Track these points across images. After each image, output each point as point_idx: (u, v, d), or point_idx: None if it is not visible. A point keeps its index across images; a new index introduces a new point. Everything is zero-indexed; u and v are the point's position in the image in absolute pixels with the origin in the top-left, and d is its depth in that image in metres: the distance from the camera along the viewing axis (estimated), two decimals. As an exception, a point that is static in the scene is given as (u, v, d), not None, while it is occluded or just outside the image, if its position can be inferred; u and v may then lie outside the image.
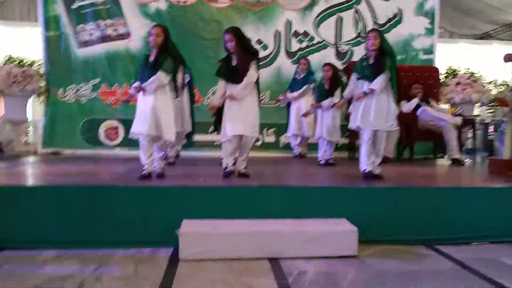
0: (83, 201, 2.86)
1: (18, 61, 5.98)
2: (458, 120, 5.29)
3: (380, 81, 3.46)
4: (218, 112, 3.58)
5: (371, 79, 3.50)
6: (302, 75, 5.71)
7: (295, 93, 5.66)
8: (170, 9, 6.18)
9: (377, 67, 3.48)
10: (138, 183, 3.23)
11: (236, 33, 3.44)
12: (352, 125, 3.64)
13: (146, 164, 3.47)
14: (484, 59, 7.91)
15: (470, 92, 6.21)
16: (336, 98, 4.59)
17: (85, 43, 6.12)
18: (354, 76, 3.68)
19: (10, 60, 5.97)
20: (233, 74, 3.47)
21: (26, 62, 6.02)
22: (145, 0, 6.15)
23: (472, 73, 6.53)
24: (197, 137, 5.96)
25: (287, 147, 6.23)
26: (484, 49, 8.72)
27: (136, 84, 3.43)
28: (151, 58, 3.40)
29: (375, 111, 3.48)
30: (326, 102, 4.67)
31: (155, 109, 3.36)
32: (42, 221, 2.79)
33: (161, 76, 3.35)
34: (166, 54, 3.39)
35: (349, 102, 3.96)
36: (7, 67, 5.72)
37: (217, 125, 3.65)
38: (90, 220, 2.82)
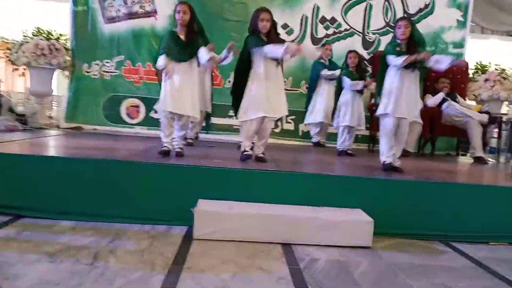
0: (102, 175, 2.90)
1: (46, 34, 6.06)
2: (484, 117, 5.15)
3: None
4: (237, 93, 3.54)
5: (406, 66, 3.37)
6: (327, 62, 5.63)
7: (330, 72, 5.50)
8: (197, -12, 6.14)
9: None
10: (157, 160, 3.26)
11: (272, 15, 3.41)
12: (381, 111, 3.50)
13: (166, 142, 3.51)
14: (516, 56, 7.65)
15: (499, 89, 6.02)
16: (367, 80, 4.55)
17: (112, 19, 6.15)
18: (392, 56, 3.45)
19: (38, 32, 6.05)
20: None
21: (54, 36, 6.10)
22: (173, -22, 6.13)
23: (503, 70, 6.32)
24: (217, 120, 6.01)
25: (306, 135, 6.19)
26: (517, 46, 8.43)
27: (163, 58, 3.40)
28: (182, 37, 3.39)
29: (406, 100, 3.40)
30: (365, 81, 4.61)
31: (181, 87, 3.38)
32: (60, 191, 2.85)
33: (204, 51, 3.37)
34: (197, 33, 3.43)
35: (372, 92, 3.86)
36: (35, 40, 5.80)
37: (236, 106, 3.57)
38: (107, 194, 2.86)
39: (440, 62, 3.28)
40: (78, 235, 2.52)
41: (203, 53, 3.37)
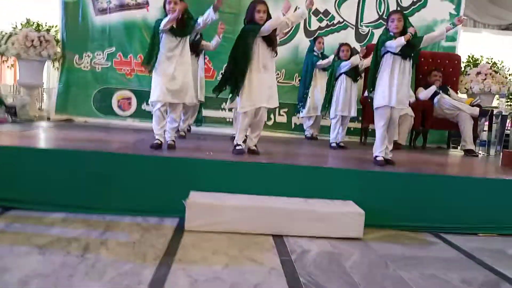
0: (92, 167, 2.87)
1: (35, 26, 5.97)
2: (475, 110, 5.18)
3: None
4: (236, 79, 3.49)
5: (402, 56, 3.40)
6: (320, 55, 5.65)
7: (326, 60, 5.52)
8: (189, -20, 6.08)
9: (410, 47, 3.38)
10: (148, 152, 3.24)
11: (268, 7, 3.43)
12: (378, 104, 3.48)
13: (158, 134, 3.49)
14: (508, 50, 7.70)
15: (490, 82, 6.06)
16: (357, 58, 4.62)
17: (103, 11, 6.07)
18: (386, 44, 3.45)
19: (28, 23, 5.96)
20: (267, 42, 3.44)
21: (44, 27, 6.02)
22: (165, -31, 6.05)
23: (494, 63, 6.36)
24: (209, 113, 5.99)
25: (299, 128, 6.19)
26: (509, 40, 8.48)
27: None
28: (174, 25, 3.35)
29: (398, 90, 3.41)
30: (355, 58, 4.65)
31: (174, 75, 3.38)
32: (51, 183, 2.82)
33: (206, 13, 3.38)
34: (188, 19, 3.42)
35: (365, 82, 3.84)
36: (24, 31, 5.72)
37: (233, 91, 3.53)
38: (98, 185, 2.84)
39: (440, 34, 3.52)
40: (68, 227, 2.50)
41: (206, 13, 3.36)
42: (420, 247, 2.66)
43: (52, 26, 6.09)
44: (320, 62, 5.56)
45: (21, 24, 5.96)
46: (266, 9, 3.39)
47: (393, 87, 3.42)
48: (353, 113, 4.70)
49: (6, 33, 5.79)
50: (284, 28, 3.64)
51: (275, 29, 3.43)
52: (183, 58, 3.45)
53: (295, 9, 5.95)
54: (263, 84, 3.44)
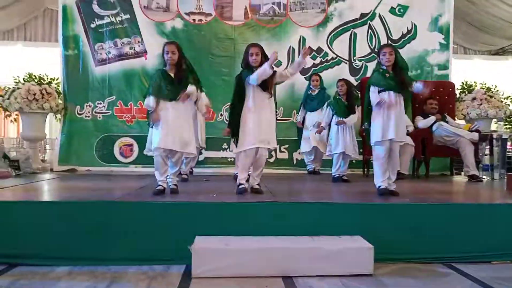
0: (96, 217, 2.87)
1: (37, 79, 6.11)
2: (475, 135, 5.20)
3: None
4: (235, 124, 3.57)
5: (397, 90, 3.47)
6: (316, 91, 5.73)
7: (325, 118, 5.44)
8: (185, 27, 6.28)
9: (403, 83, 3.47)
10: (151, 199, 3.24)
11: (263, 49, 3.54)
12: (375, 138, 3.52)
13: (160, 180, 3.49)
14: (500, 74, 7.84)
15: (487, 107, 6.13)
16: (358, 114, 4.68)
17: (103, 61, 6.24)
18: (375, 89, 3.53)
19: (30, 77, 6.10)
20: (262, 86, 3.49)
21: (45, 80, 6.15)
22: (162, 19, 6.27)
23: (488, 88, 6.45)
24: (210, 154, 6.02)
25: (301, 163, 6.20)
26: (500, 64, 8.65)
27: (152, 99, 3.42)
28: (172, 74, 3.44)
29: (396, 123, 3.45)
30: (349, 119, 4.70)
31: (175, 124, 3.41)
32: (55, 237, 2.80)
33: (193, 90, 3.45)
34: (186, 70, 3.48)
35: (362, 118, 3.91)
36: (27, 85, 5.84)
37: (235, 136, 3.60)
38: (103, 236, 2.82)
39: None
40: (74, 280, 2.47)
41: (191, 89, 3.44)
42: (433, 279, 2.61)
43: (54, 79, 6.23)
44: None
45: (24, 79, 6.09)
46: (258, 51, 3.49)
47: (381, 122, 3.47)
48: (352, 151, 4.74)
49: (9, 88, 5.91)
50: (285, 79, 3.69)
51: (272, 75, 3.48)
52: (183, 109, 3.48)
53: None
54: (259, 125, 3.48)
